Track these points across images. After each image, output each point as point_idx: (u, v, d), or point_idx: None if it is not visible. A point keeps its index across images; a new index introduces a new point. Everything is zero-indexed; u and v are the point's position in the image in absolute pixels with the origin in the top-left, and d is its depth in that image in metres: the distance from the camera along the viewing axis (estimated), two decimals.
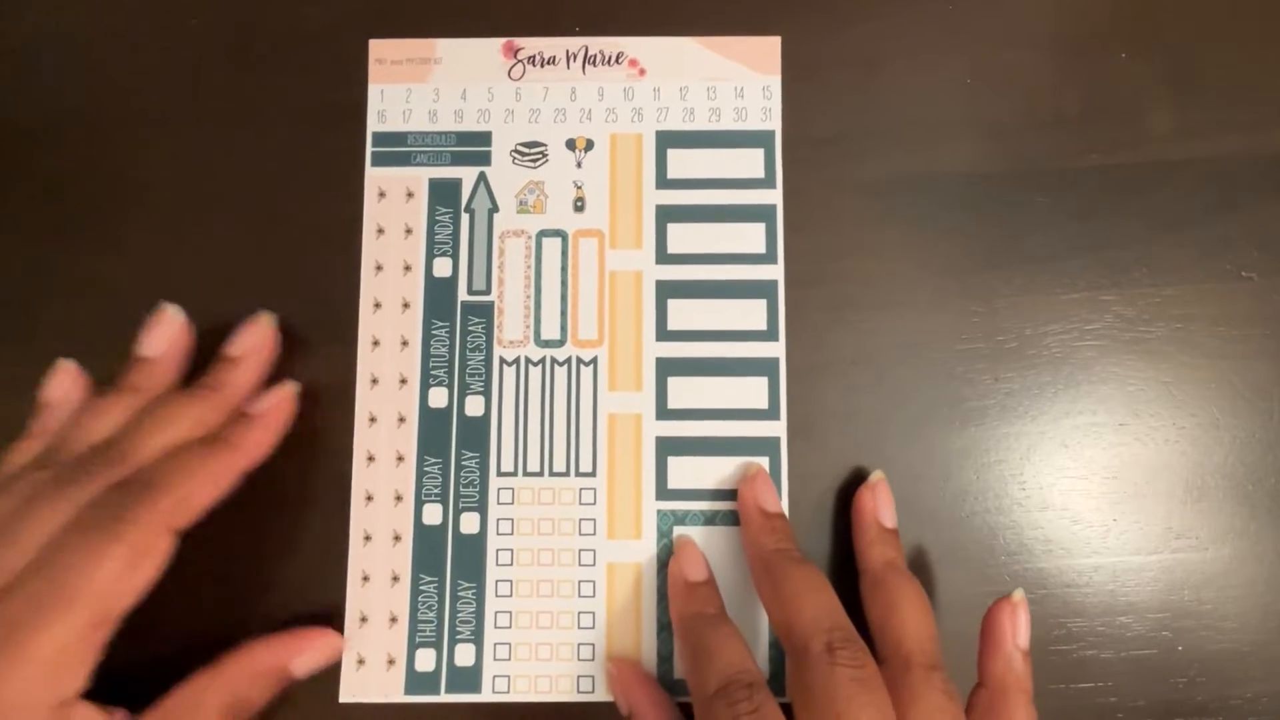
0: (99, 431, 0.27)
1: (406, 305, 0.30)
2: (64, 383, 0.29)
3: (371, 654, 0.28)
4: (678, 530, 0.29)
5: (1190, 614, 0.29)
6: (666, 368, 0.30)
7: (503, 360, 0.30)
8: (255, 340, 0.29)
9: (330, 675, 0.28)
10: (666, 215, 0.31)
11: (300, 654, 0.27)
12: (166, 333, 0.29)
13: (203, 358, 0.29)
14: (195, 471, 0.26)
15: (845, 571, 0.28)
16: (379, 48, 0.31)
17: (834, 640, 0.23)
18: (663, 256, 0.30)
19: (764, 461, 0.29)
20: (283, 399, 0.28)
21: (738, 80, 0.31)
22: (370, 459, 0.29)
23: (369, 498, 0.29)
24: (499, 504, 0.29)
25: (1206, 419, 0.30)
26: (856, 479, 0.29)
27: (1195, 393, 0.30)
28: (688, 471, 0.29)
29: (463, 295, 0.30)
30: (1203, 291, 0.30)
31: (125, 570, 0.24)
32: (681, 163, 0.31)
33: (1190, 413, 0.30)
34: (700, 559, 0.28)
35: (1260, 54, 0.31)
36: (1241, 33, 0.31)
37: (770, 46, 0.31)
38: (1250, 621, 0.29)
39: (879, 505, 0.28)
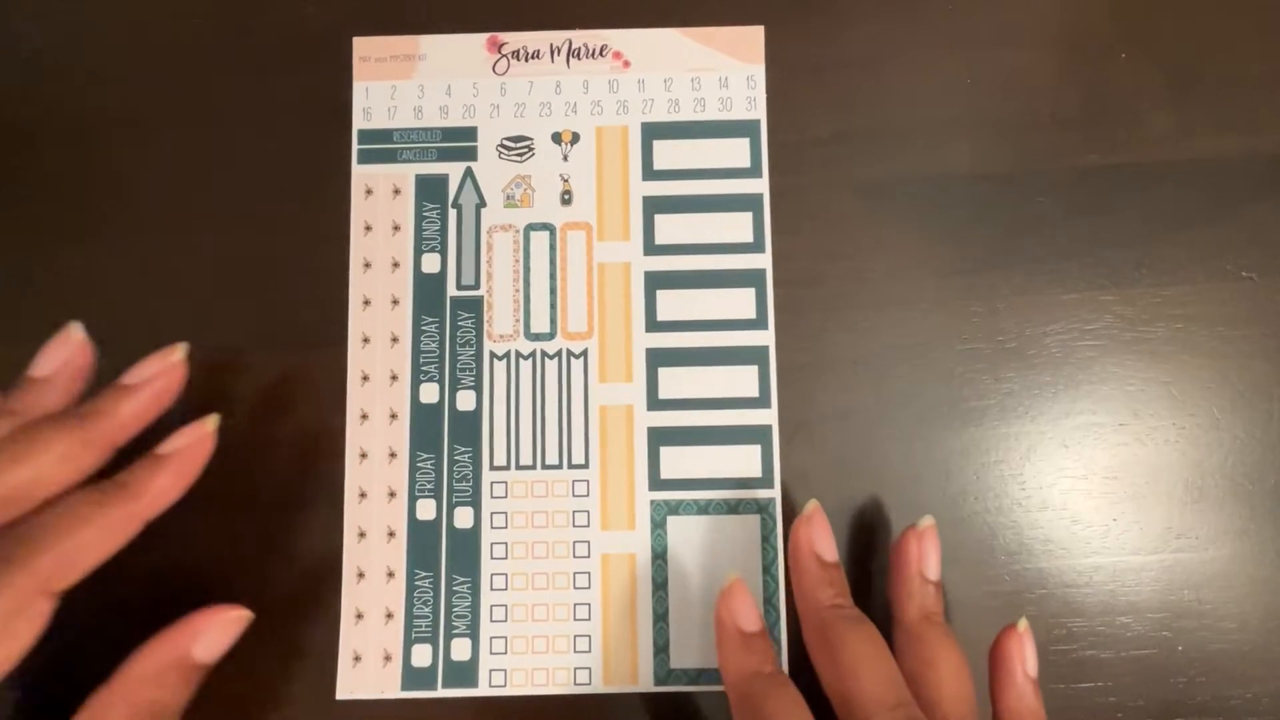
0: None
1: (396, 302, 0.30)
2: None
3: (368, 650, 0.28)
4: (672, 520, 0.29)
5: (1190, 614, 0.29)
6: (657, 358, 0.30)
7: (493, 354, 0.30)
8: (156, 369, 0.26)
9: (327, 672, 0.28)
10: (654, 206, 0.31)
11: (199, 639, 0.24)
12: (61, 352, 0.26)
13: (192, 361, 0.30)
14: (85, 525, 0.23)
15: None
16: (363, 45, 0.31)
17: None
18: (650, 248, 0.30)
19: (755, 450, 0.29)
20: (199, 439, 0.25)
21: (722, 70, 0.31)
22: (363, 456, 0.29)
23: (362, 494, 0.29)
24: (492, 498, 0.29)
25: (1206, 419, 0.30)
26: (856, 480, 0.29)
27: (1195, 393, 0.30)
28: (680, 461, 0.29)
29: (452, 290, 0.30)
30: (1203, 291, 0.30)
31: None
32: (667, 154, 0.31)
33: (1190, 413, 0.30)
34: (752, 605, 0.26)
35: (1260, 54, 0.31)
36: (1241, 33, 0.31)
37: (754, 36, 0.31)
38: (1250, 621, 0.29)
39: (924, 554, 0.26)
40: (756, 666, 0.25)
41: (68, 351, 0.26)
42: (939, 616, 0.26)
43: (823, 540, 0.26)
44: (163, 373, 0.26)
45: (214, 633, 0.25)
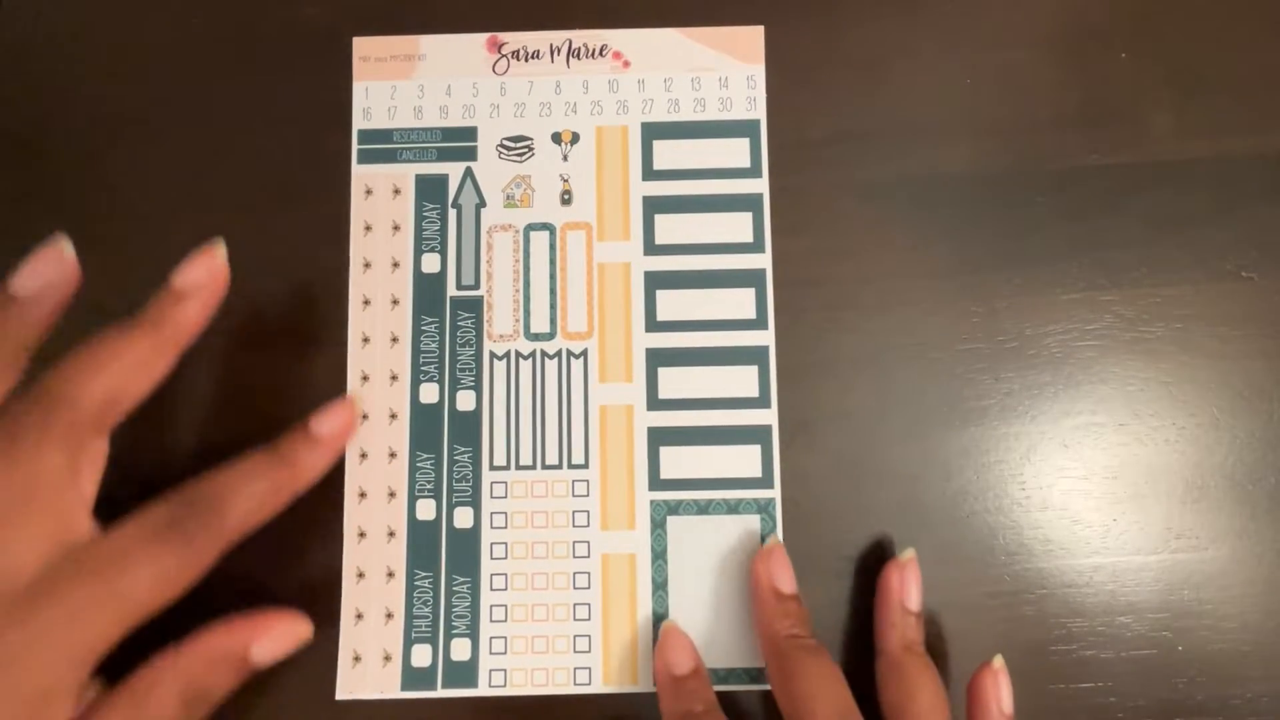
0: None
1: (395, 302, 0.30)
2: None
3: (367, 650, 0.28)
4: (672, 520, 0.29)
5: (1190, 614, 0.29)
6: (656, 358, 0.30)
7: (493, 354, 0.30)
8: (205, 273, 0.25)
9: (326, 672, 0.28)
10: (654, 206, 0.31)
11: (259, 640, 0.24)
12: (46, 269, 0.24)
13: (192, 361, 0.30)
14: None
15: (843, 575, 0.29)
16: (363, 45, 0.31)
17: None
18: (650, 248, 0.30)
19: (755, 450, 0.29)
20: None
21: (722, 70, 0.31)
22: (363, 456, 0.29)
23: (362, 494, 0.29)
24: (492, 498, 0.29)
25: (1206, 419, 0.30)
26: (856, 480, 0.29)
27: (1195, 393, 0.30)
28: (680, 461, 0.29)
29: (451, 290, 0.30)
30: (1203, 291, 0.30)
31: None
32: (667, 154, 0.31)
33: (1190, 413, 0.30)
34: (687, 647, 0.27)
35: (1260, 54, 0.31)
36: (1241, 33, 0.31)
37: (754, 36, 0.31)
38: (1250, 621, 0.29)
39: (905, 586, 0.27)
40: (687, 706, 0.26)
41: (55, 270, 0.24)
42: (920, 647, 0.26)
43: (781, 574, 0.27)
44: (214, 275, 0.25)
45: (276, 637, 0.25)
